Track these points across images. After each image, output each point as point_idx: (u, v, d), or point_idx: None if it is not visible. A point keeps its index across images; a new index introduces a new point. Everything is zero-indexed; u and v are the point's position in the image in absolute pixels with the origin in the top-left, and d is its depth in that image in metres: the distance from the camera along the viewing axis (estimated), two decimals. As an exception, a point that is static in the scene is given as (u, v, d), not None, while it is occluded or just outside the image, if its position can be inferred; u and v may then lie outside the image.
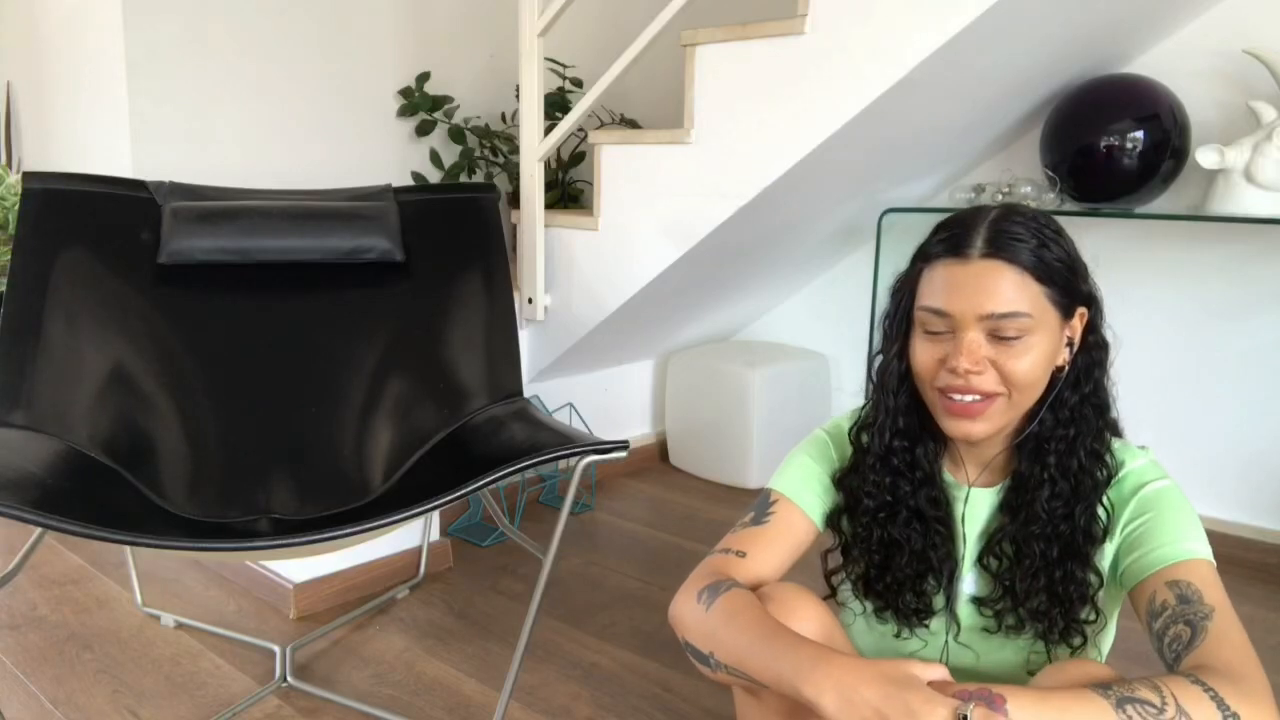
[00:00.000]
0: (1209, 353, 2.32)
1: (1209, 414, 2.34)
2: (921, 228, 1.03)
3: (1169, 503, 0.95)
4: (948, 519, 1.04)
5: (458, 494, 1.30)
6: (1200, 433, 2.36)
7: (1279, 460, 2.26)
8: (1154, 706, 0.75)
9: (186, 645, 1.77)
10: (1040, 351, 0.92)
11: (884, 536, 1.04)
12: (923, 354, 0.96)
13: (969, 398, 0.94)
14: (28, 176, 1.66)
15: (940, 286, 0.93)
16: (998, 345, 0.92)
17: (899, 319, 1.01)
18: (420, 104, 2.75)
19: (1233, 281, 2.26)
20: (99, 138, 2.38)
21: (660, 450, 3.02)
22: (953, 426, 0.96)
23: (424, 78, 2.76)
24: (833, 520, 1.09)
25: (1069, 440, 0.97)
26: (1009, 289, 0.90)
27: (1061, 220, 0.99)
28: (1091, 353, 0.98)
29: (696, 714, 1.58)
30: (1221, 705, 0.76)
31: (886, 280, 1.16)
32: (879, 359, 1.04)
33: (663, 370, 3.02)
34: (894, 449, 1.03)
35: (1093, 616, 0.99)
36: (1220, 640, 0.82)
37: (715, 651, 0.92)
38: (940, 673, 0.80)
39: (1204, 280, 2.30)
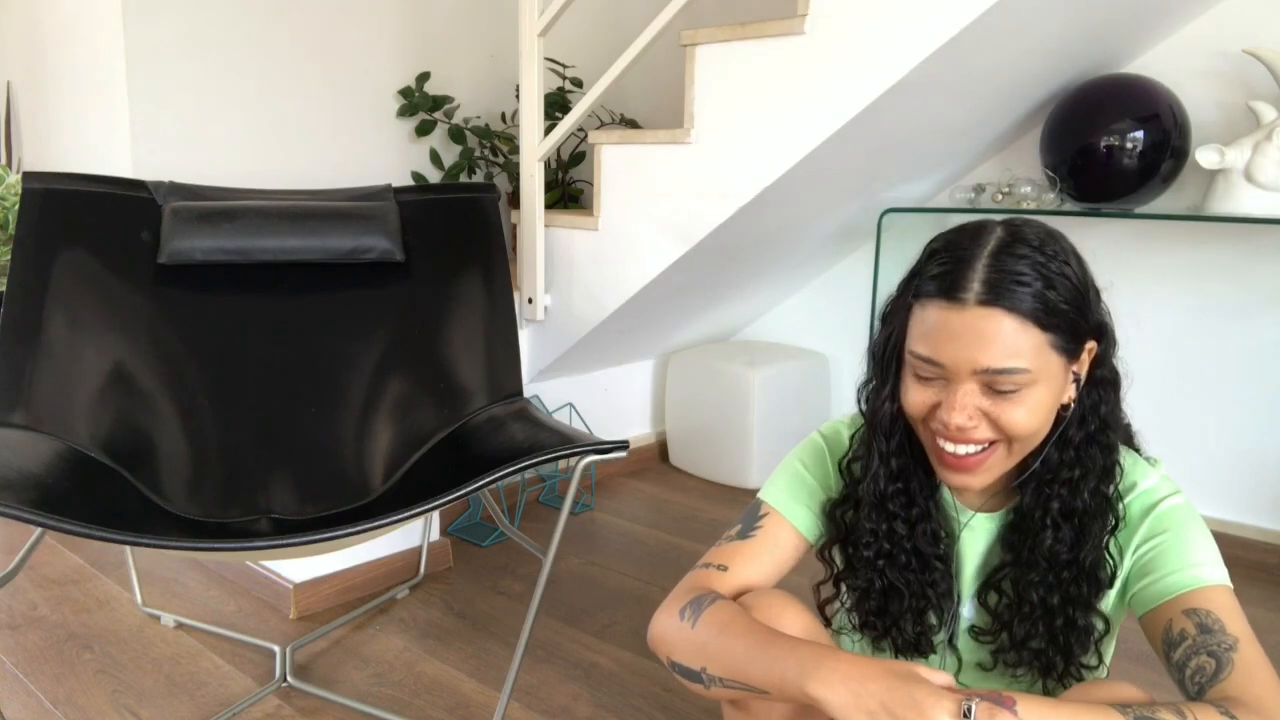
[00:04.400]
0: (1209, 353, 2.32)
1: (1209, 414, 2.34)
2: (921, 227, 1.03)
3: (1182, 523, 0.91)
4: (946, 554, 1.00)
5: (458, 494, 1.30)
6: (1200, 433, 2.36)
7: (1278, 460, 2.26)
8: None
9: (186, 645, 1.77)
10: (1040, 402, 0.86)
11: (884, 584, 1.00)
12: (914, 396, 0.91)
13: (963, 450, 0.89)
14: (28, 176, 1.66)
15: (932, 332, 0.86)
16: (993, 397, 0.86)
17: (889, 354, 0.95)
18: (420, 104, 2.75)
19: (1233, 281, 2.26)
20: (99, 138, 2.38)
21: (660, 450, 3.02)
22: (950, 478, 0.92)
23: (424, 78, 2.76)
24: (824, 552, 1.06)
25: (1073, 482, 0.91)
26: (1007, 340, 0.83)
27: (1061, 221, 0.96)
28: (1099, 389, 0.92)
29: (696, 714, 1.58)
30: None
31: (886, 280, 1.15)
32: (869, 394, 0.99)
33: (663, 370, 3.02)
34: (889, 494, 0.98)
35: (1094, 663, 0.96)
36: (1249, 674, 0.79)
37: (708, 666, 0.89)
38: (945, 679, 0.79)
39: (1204, 280, 2.30)
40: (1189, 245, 2.31)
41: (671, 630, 0.93)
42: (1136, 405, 2.40)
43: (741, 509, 2.60)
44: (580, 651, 1.78)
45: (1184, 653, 0.83)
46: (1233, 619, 0.84)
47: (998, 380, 0.84)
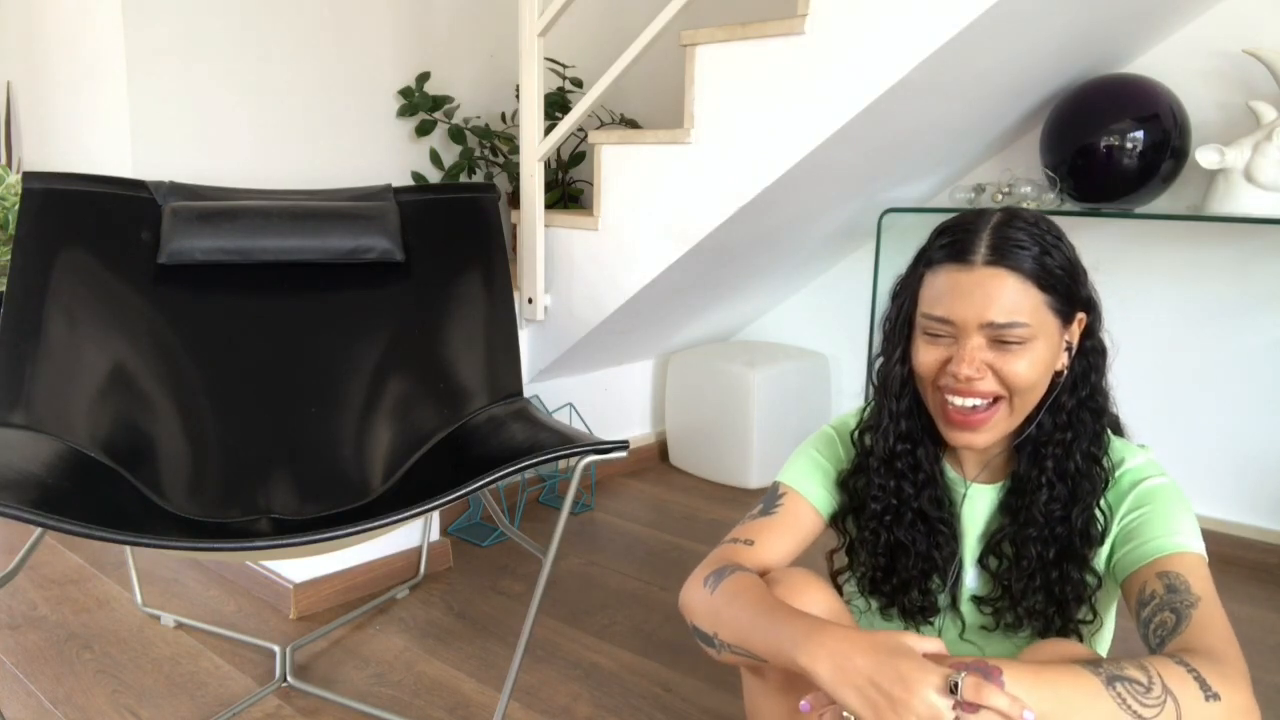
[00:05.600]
0: (1208, 353, 2.32)
1: (1209, 414, 2.34)
2: (921, 228, 1.04)
3: (1165, 498, 0.97)
4: (951, 519, 1.06)
5: (458, 494, 1.30)
6: (1200, 432, 2.36)
7: (1278, 460, 2.26)
8: (1141, 685, 0.77)
9: (186, 645, 1.77)
10: (1039, 357, 0.94)
11: (890, 539, 1.06)
12: (924, 356, 0.98)
13: (969, 403, 0.96)
14: (28, 176, 1.66)
15: (943, 293, 0.95)
16: (998, 350, 0.94)
17: (900, 323, 1.03)
18: (420, 104, 2.75)
19: (1233, 281, 2.26)
20: (99, 138, 2.38)
21: (660, 450, 3.02)
22: (955, 436, 0.99)
23: (424, 78, 2.76)
24: (837, 521, 1.12)
25: (1066, 444, 0.99)
26: (1011, 297, 0.92)
27: (1061, 220, 1.00)
28: (1089, 357, 1.00)
29: (696, 714, 1.58)
30: (1204, 686, 0.78)
31: (886, 280, 1.17)
32: (880, 362, 1.06)
33: (663, 370, 3.02)
34: (897, 452, 1.05)
35: (1089, 617, 1.01)
36: (1203, 627, 0.84)
37: (719, 632, 0.94)
38: (936, 645, 0.82)
39: (1204, 280, 2.30)
40: (1189, 245, 2.31)
41: (694, 597, 1.00)
42: (1137, 404, 2.41)
43: (741, 509, 2.60)
44: (580, 651, 1.78)
45: (1151, 610, 0.89)
46: (1199, 581, 0.89)
47: (1002, 333, 0.93)
